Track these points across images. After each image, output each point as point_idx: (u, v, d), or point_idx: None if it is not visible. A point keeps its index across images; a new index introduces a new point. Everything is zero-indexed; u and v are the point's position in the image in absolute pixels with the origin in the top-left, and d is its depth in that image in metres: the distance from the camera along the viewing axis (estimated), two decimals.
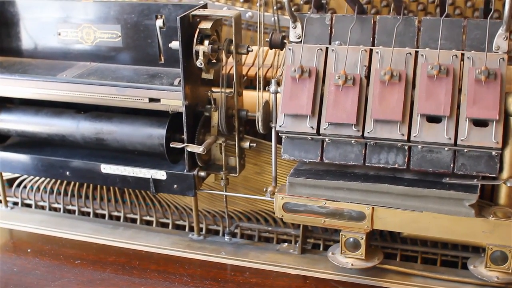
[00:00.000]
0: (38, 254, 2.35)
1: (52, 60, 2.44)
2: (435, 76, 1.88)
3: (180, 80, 2.10)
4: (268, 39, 2.12)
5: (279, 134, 2.03)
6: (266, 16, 2.22)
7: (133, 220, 2.60)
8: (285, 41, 2.12)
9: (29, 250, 2.37)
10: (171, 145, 2.16)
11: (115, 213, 2.61)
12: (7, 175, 2.70)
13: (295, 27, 2.04)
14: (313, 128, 1.97)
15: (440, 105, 1.87)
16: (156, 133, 2.23)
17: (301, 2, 2.37)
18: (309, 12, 2.08)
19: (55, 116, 2.39)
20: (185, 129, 2.13)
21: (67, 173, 2.36)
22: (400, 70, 1.91)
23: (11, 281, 2.19)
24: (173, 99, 2.13)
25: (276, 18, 2.22)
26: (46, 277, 2.21)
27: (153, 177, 2.23)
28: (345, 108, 1.94)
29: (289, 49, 2.03)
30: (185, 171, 2.20)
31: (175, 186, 2.22)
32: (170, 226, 2.54)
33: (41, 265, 2.28)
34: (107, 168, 2.28)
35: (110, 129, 2.30)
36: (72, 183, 2.63)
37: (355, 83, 1.94)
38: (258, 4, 2.16)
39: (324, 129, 1.96)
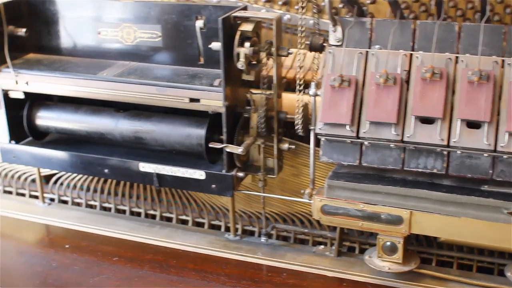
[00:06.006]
0: (76, 250, 2.37)
1: (91, 58, 2.46)
2: (476, 82, 1.87)
3: (220, 81, 2.12)
4: (307, 42, 2.14)
5: (318, 136, 2.04)
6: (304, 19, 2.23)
7: (169, 219, 2.61)
8: (324, 44, 2.13)
9: (67, 246, 2.40)
10: (210, 145, 2.17)
11: (151, 212, 2.63)
12: (43, 172, 2.73)
13: (335, 31, 2.05)
14: (352, 132, 1.97)
15: (480, 110, 1.87)
16: (195, 133, 2.24)
17: (340, 6, 2.37)
18: (348, 16, 2.09)
19: (94, 114, 2.42)
20: (224, 130, 2.15)
21: (106, 170, 2.38)
22: (442, 68, 1.91)
23: (51, 276, 2.22)
24: (213, 100, 2.14)
25: (315, 21, 2.23)
26: (85, 273, 2.23)
27: (157, 172, 2.27)
28: (385, 107, 1.94)
29: (329, 52, 2.04)
30: (223, 171, 2.21)
31: (213, 186, 2.23)
32: (206, 225, 2.55)
33: (79, 261, 2.30)
34: (145, 167, 2.30)
35: (149, 128, 2.32)
36: (109, 181, 2.66)
37: (396, 82, 1.94)
38: (298, 7, 2.16)
39: (364, 132, 1.96)
